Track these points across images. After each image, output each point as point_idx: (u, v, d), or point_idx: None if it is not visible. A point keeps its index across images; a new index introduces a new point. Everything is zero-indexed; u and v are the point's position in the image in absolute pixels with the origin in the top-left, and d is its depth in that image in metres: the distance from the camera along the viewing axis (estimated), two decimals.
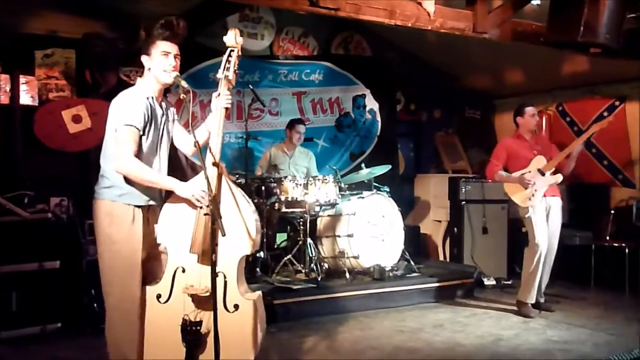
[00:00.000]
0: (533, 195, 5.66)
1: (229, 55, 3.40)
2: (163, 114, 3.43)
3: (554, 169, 5.72)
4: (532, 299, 5.75)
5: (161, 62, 3.30)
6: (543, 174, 5.71)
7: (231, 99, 3.41)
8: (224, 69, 3.38)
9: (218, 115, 3.35)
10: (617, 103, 7.64)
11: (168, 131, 3.49)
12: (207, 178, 3.08)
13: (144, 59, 3.34)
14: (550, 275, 5.88)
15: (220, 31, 6.85)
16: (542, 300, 5.90)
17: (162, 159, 3.44)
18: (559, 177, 5.73)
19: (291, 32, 7.86)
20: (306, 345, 4.82)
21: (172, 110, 3.58)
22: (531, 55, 7.22)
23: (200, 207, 3.20)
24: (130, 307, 3.27)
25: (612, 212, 7.37)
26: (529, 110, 5.92)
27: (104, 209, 3.30)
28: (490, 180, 6.19)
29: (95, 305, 5.09)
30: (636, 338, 4.97)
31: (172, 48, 3.32)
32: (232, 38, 3.40)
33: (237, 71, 3.44)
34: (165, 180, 3.29)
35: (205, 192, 3.14)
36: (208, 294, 3.20)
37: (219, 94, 3.37)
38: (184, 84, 3.24)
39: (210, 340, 3.19)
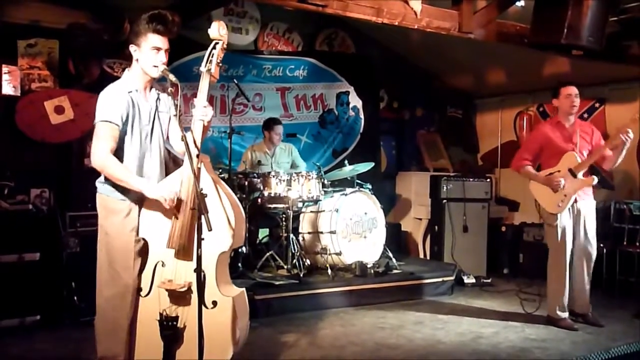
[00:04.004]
0: (562, 201, 5.12)
1: (213, 48, 3.33)
2: (152, 107, 3.37)
3: (587, 168, 5.18)
4: (565, 313, 5.28)
5: (151, 57, 3.23)
6: (575, 175, 5.11)
7: (207, 113, 3.30)
8: (206, 62, 3.31)
9: (196, 128, 3.28)
10: (597, 105, 7.73)
11: (160, 122, 3.42)
12: (193, 172, 3.08)
13: (132, 48, 3.27)
14: (532, 276, 5.79)
15: (205, 24, 6.81)
16: (588, 311, 5.43)
17: (153, 151, 3.38)
18: (593, 180, 5.14)
19: (276, 28, 7.84)
20: (287, 341, 4.83)
21: (168, 99, 3.45)
22: (512, 56, 7.30)
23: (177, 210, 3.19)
24: (121, 302, 3.24)
25: None
26: (564, 90, 5.21)
27: (101, 202, 3.31)
28: (516, 172, 5.51)
29: (75, 297, 5.07)
30: (613, 337, 5.05)
31: (164, 43, 3.24)
32: (216, 30, 3.33)
33: (220, 64, 3.36)
34: (135, 181, 3.19)
35: (176, 195, 3.15)
36: (184, 289, 3.21)
37: (194, 105, 3.29)
38: (172, 77, 3.18)
39: (187, 335, 3.20)
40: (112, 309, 3.25)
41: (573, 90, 5.23)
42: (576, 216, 5.25)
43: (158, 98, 3.42)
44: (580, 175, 5.15)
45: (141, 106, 3.32)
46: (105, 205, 3.29)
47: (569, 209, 5.17)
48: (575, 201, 5.19)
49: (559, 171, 5.21)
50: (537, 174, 5.31)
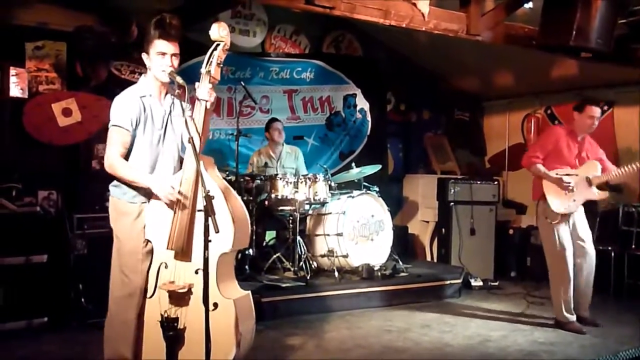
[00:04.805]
0: (570, 205, 5.19)
1: (214, 49, 3.35)
2: (166, 111, 3.44)
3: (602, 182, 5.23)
4: (572, 316, 5.28)
5: (158, 62, 3.32)
6: (590, 185, 5.21)
7: (211, 94, 3.32)
8: (206, 64, 3.33)
9: (198, 109, 3.31)
10: (605, 107, 7.68)
11: (174, 127, 3.48)
12: (199, 173, 3.09)
13: (144, 57, 3.39)
14: (539, 279, 5.80)
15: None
16: (586, 314, 5.43)
17: (166, 154, 3.44)
18: (605, 195, 5.29)
19: (283, 30, 7.84)
20: (294, 344, 4.82)
21: (183, 104, 3.31)
22: (520, 58, 7.27)
23: (176, 206, 3.23)
24: (128, 304, 3.29)
25: (599, 216, 7.42)
26: (589, 109, 5.24)
27: (112, 205, 3.41)
28: (526, 168, 5.50)
29: (82, 299, 5.08)
30: (621, 340, 5.02)
31: (169, 47, 3.30)
32: (216, 32, 3.33)
33: (220, 65, 3.37)
34: (144, 178, 3.29)
35: (175, 192, 3.19)
36: (184, 290, 3.23)
37: (197, 87, 3.33)
38: (179, 79, 3.22)
39: (187, 336, 3.23)
40: (121, 310, 3.30)
41: (597, 112, 5.30)
42: (571, 220, 5.33)
43: (173, 103, 3.49)
44: (594, 187, 5.21)
45: (154, 110, 3.39)
46: (116, 208, 3.38)
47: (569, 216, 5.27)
48: None
49: (576, 175, 5.24)
50: (548, 172, 5.27)
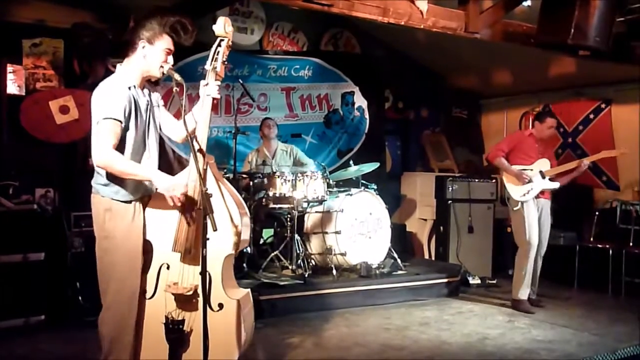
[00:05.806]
0: (527, 192, 5.85)
1: (218, 45, 3.25)
2: (147, 102, 3.29)
3: (554, 175, 5.96)
4: (525, 295, 5.89)
5: (161, 57, 3.18)
6: (543, 177, 5.91)
7: (219, 90, 3.28)
8: (212, 60, 3.24)
9: (205, 105, 3.24)
10: (602, 105, 7.71)
11: (154, 118, 3.34)
12: (198, 171, 3.01)
13: (141, 44, 3.16)
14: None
15: (210, 24, 6.80)
16: (533, 297, 6.06)
17: (151, 147, 3.30)
18: (556, 185, 5.95)
19: (281, 27, 7.83)
20: (292, 342, 4.81)
21: (156, 95, 3.39)
22: (518, 56, 7.28)
23: (183, 208, 3.12)
24: (127, 304, 3.16)
25: (596, 213, 7.44)
26: (550, 121, 6.01)
27: (103, 205, 3.16)
28: (491, 162, 6.26)
29: (79, 297, 5.07)
30: (619, 338, 5.03)
31: (173, 46, 3.21)
32: (222, 27, 3.23)
33: (225, 62, 3.29)
34: (144, 171, 3.13)
35: (182, 194, 3.04)
36: (190, 293, 3.16)
37: (206, 83, 3.25)
38: (177, 76, 3.11)
39: (193, 339, 3.16)
40: (119, 312, 3.15)
41: (555, 123, 6.13)
42: (539, 211, 5.95)
43: (149, 93, 3.35)
44: (547, 178, 5.92)
45: (140, 102, 3.23)
46: (109, 208, 3.14)
47: (535, 203, 5.90)
48: (538, 197, 5.92)
49: (531, 170, 5.94)
50: (510, 166, 6.00)
